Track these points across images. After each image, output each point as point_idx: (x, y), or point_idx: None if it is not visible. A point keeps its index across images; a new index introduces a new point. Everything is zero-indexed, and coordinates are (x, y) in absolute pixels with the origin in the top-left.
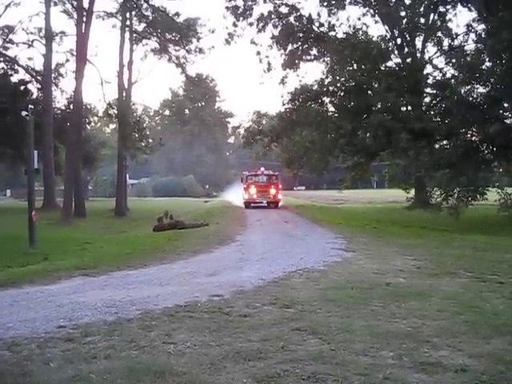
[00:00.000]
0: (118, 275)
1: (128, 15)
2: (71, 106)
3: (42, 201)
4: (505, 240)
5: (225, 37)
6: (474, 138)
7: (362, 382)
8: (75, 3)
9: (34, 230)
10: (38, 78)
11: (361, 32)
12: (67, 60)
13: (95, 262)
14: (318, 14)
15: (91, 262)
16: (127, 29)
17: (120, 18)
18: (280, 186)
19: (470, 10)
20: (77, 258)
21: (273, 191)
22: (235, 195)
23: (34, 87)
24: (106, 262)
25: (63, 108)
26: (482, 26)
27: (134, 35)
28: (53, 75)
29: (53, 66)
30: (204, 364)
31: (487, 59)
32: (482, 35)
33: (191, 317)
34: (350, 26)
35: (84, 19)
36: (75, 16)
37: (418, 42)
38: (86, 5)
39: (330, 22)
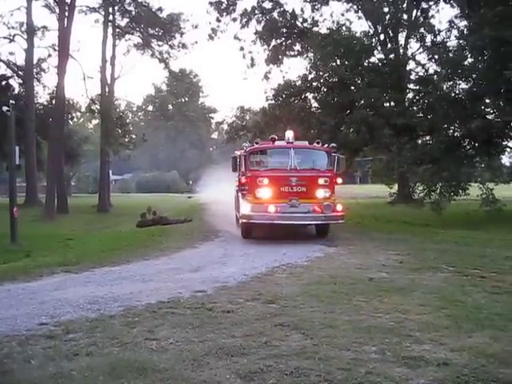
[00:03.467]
0: (100, 272)
1: (111, 10)
2: (53, 102)
3: (23, 197)
4: (486, 235)
5: (208, 32)
6: (456, 134)
7: (345, 376)
8: None
9: (16, 226)
10: (20, 73)
11: (344, 28)
12: (49, 55)
13: (78, 259)
14: (302, 10)
15: (73, 259)
16: (110, 24)
17: (103, 12)
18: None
19: (452, 6)
20: (59, 254)
21: (322, 193)
22: (212, 194)
23: (15, 82)
24: (88, 259)
25: (45, 103)
26: (464, 23)
27: (117, 30)
28: (35, 70)
29: (35, 61)
30: (187, 360)
31: (469, 55)
32: (464, 32)
33: (174, 313)
34: (333, 22)
35: (66, 14)
36: (57, 11)
37: (401, 38)
38: None
39: (313, 18)
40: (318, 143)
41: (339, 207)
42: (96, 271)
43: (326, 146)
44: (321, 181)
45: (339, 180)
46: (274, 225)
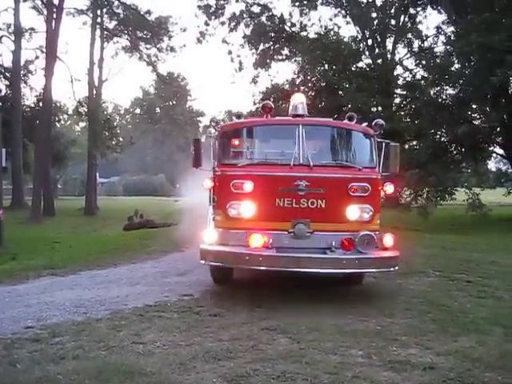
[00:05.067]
0: (87, 275)
1: (99, 12)
2: (40, 104)
3: (10, 199)
4: (472, 239)
5: (196, 35)
6: (443, 139)
7: (332, 380)
8: None
9: (2, 229)
10: (7, 74)
11: (332, 32)
12: (37, 57)
13: (64, 262)
14: (290, 14)
15: (60, 262)
16: (98, 26)
17: (91, 15)
18: (382, 189)
19: (439, 12)
20: (45, 257)
21: (356, 213)
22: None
23: (2, 84)
24: (75, 262)
25: (32, 105)
26: (452, 29)
27: (105, 33)
28: (22, 72)
29: (22, 63)
30: (174, 364)
31: (456, 61)
32: (451, 37)
33: (161, 316)
34: (321, 27)
35: (54, 16)
36: (45, 12)
37: (389, 44)
38: (55, 1)
39: (301, 22)
40: (350, 119)
41: (388, 240)
42: (83, 274)
43: (366, 124)
44: (355, 188)
45: (389, 188)
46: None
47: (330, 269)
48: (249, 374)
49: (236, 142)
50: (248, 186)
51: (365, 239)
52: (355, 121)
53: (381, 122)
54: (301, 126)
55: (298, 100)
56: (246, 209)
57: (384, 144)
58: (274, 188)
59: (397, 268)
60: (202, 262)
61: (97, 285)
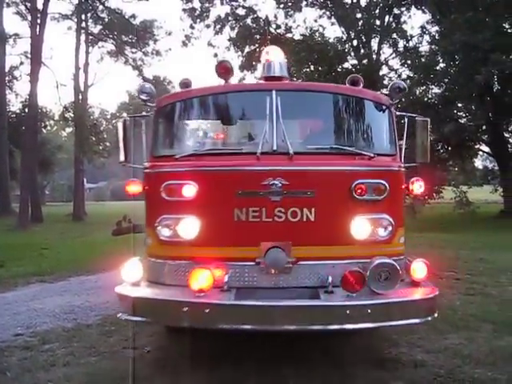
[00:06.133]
0: (76, 281)
1: (83, 17)
2: (26, 110)
3: None
4: (460, 237)
5: (182, 39)
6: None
7: (323, 380)
8: (29, 5)
9: None
10: None
11: (317, 34)
12: (21, 63)
13: (53, 268)
14: (275, 16)
15: (49, 268)
16: (83, 31)
17: (75, 19)
18: (408, 187)
19: (423, 12)
20: (34, 264)
21: (366, 228)
22: None
23: None
24: (64, 268)
25: (18, 112)
26: (436, 28)
27: (90, 37)
28: (7, 78)
29: (7, 69)
30: (168, 367)
31: (441, 60)
32: (436, 37)
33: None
34: (306, 28)
35: (38, 21)
36: (29, 18)
37: (374, 44)
38: (40, 6)
39: (286, 24)
40: (353, 83)
41: (420, 270)
42: (72, 280)
43: (379, 92)
44: (363, 187)
45: (417, 186)
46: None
47: (325, 324)
48: None
49: (177, 121)
50: (189, 190)
51: (382, 270)
52: (361, 86)
53: (401, 84)
54: (275, 93)
55: (273, 55)
56: (186, 227)
57: (407, 119)
58: (232, 192)
59: (435, 315)
60: (121, 316)
61: (86, 290)
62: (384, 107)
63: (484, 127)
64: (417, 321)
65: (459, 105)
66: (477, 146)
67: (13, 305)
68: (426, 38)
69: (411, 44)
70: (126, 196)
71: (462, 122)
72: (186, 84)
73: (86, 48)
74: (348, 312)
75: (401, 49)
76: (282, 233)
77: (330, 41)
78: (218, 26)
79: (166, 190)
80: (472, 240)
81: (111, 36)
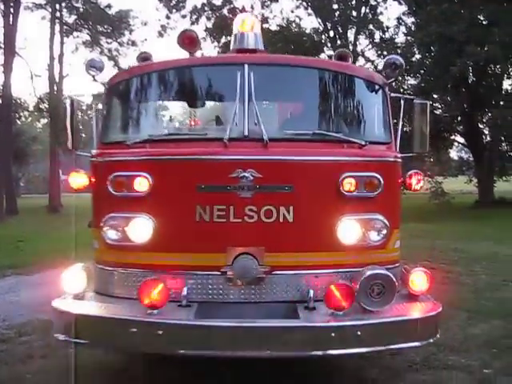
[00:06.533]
0: (52, 273)
1: (58, 7)
2: (0, 101)
3: None
4: (436, 227)
5: (158, 29)
6: (405, 129)
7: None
8: None
9: None
10: None
11: (294, 24)
12: None
13: (29, 261)
14: (252, 7)
15: (24, 261)
16: (57, 21)
17: (49, 9)
18: (404, 182)
19: (400, 3)
20: (9, 256)
21: (355, 231)
22: None
23: None
24: (40, 260)
25: None
26: (412, 20)
27: (65, 27)
28: None
29: None
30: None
31: (417, 52)
32: (412, 28)
33: None
34: (283, 19)
35: (11, 10)
36: (2, 7)
37: (351, 35)
38: None
39: (263, 15)
40: (340, 58)
41: (420, 281)
42: (48, 273)
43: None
44: (352, 181)
45: (416, 180)
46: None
47: (304, 350)
48: None
49: (132, 102)
50: (141, 184)
51: (374, 284)
52: (351, 60)
53: (397, 60)
54: (247, 68)
55: (246, 25)
56: (137, 228)
57: (403, 101)
58: (193, 186)
59: (438, 336)
60: (58, 336)
61: None
62: (377, 87)
63: (459, 118)
64: (417, 344)
65: (435, 96)
66: (452, 137)
67: None
68: (402, 29)
69: (387, 35)
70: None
71: (438, 113)
72: (145, 58)
73: (60, 38)
74: (333, 335)
75: (377, 40)
76: (253, 236)
77: (307, 31)
78: (195, 17)
79: (114, 183)
80: (447, 230)
81: (86, 26)
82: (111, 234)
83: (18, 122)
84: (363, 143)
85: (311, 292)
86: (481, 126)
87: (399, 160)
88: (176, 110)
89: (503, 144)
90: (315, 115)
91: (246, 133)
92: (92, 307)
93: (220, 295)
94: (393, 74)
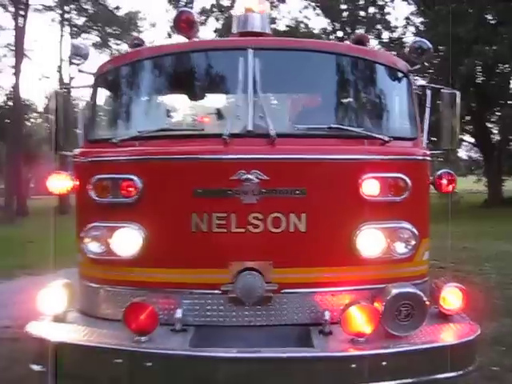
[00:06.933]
0: (63, 273)
1: (67, 8)
2: (10, 103)
3: None
4: (445, 227)
5: (167, 30)
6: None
7: None
8: None
9: None
10: None
11: (302, 25)
12: (4, 55)
13: (39, 261)
14: None
15: (35, 261)
16: (67, 23)
17: (59, 11)
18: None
19: (408, 3)
20: (20, 257)
21: (379, 241)
22: None
23: None
24: (50, 261)
25: (2, 104)
26: (421, 20)
27: (74, 29)
28: None
29: None
30: None
31: None
32: (420, 28)
33: None
34: (291, 19)
35: (21, 13)
36: (12, 9)
37: None
38: None
39: (271, 15)
40: (358, 42)
41: (454, 298)
42: (59, 273)
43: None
44: (375, 184)
45: (447, 181)
46: None
47: None
48: None
49: (121, 93)
50: (128, 188)
51: (402, 303)
52: (368, 43)
53: (424, 43)
54: (252, 53)
55: (253, 4)
56: (124, 239)
57: (430, 92)
58: (188, 191)
59: (476, 365)
60: (33, 366)
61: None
62: (401, 75)
63: (468, 118)
64: (453, 375)
65: None
66: (461, 137)
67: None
68: (411, 29)
69: (396, 35)
70: None
71: None
72: (137, 45)
73: (70, 40)
74: (353, 366)
75: (385, 40)
76: (258, 249)
77: (315, 32)
78: (203, 18)
79: (97, 188)
80: (456, 230)
81: (95, 28)
82: (92, 247)
83: (28, 123)
84: (386, 139)
85: (327, 314)
86: (490, 125)
87: (428, 158)
88: (170, 102)
89: None
90: (331, 107)
91: (250, 128)
92: (71, 333)
93: (220, 318)
94: (419, 59)
